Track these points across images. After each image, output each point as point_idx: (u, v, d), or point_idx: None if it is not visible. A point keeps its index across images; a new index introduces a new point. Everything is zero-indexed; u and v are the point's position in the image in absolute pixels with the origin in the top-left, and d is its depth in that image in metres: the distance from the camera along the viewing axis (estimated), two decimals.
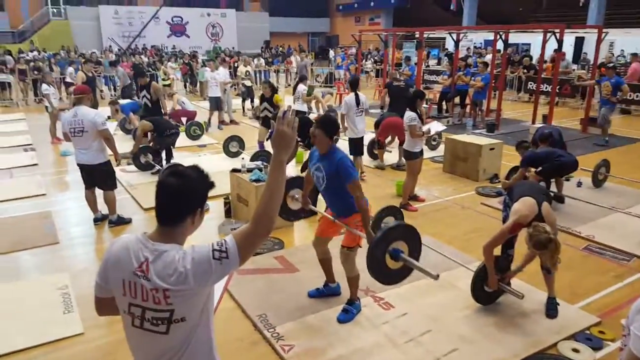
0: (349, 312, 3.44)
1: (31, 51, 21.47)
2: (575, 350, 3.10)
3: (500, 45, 10.60)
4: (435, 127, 6.07)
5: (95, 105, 6.03)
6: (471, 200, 6.01)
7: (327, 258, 3.61)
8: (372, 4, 30.99)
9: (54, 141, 9.10)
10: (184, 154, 8.06)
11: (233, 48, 27.79)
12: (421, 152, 5.61)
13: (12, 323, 3.43)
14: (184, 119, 9.86)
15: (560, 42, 9.09)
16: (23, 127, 10.73)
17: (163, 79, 14.86)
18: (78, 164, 4.98)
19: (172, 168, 1.55)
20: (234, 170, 5.37)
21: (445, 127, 7.12)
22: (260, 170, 5.15)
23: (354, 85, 6.62)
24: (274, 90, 7.33)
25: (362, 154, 6.58)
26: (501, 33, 10.17)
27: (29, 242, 4.76)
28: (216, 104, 10.43)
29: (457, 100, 11.29)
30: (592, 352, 3.10)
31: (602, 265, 4.35)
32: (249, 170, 5.20)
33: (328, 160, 3.14)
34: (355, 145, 6.43)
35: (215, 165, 6.60)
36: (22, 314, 3.55)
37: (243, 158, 5.94)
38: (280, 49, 26.39)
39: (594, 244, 4.74)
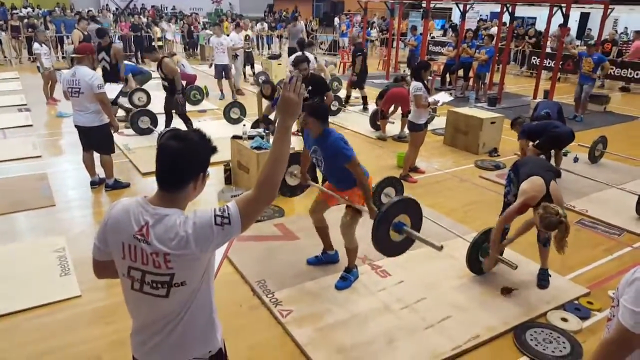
0: (347, 280, 3.49)
1: (24, 7, 20.85)
2: (564, 320, 3.19)
3: (506, 17, 10.35)
4: (442, 97, 6.00)
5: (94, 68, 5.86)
6: (470, 173, 6.03)
7: (323, 226, 3.65)
8: None
9: (50, 102, 8.94)
10: None
11: (230, 4, 26.86)
12: (425, 124, 5.58)
13: (8, 285, 3.42)
14: (182, 82, 9.62)
15: (566, 17, 8.87)
16: (16, 86, 10.49)
17: (158, 39, 14.55)
18: (75, 126, 4.88)
19: (173, 131, 1.52)
20: (235, 137, 5.32)
21: (452, 99, 7.06)
22: (262, 137, 5.10)
23: (301, 45, 7.06)
24: (275, 89, 6.81)
25: None
26: (508, 5, 9.91)
27: (24, 204, 4.71)
28: (222, 72, 9.61)
29: (460, 72, 11.13)
30: (579, 321, 3.18)
31: (594, 239, 4.43)
32: (250, 137, 5.15)
33: (323, 143, 3.19)
34: None
35: (216, 131, 6.49)
36: (18, 276, 3.54)
37: (244, 125, 5.86)
38: (284, 13, 25.66)
39: (586, 218, 4.82)
